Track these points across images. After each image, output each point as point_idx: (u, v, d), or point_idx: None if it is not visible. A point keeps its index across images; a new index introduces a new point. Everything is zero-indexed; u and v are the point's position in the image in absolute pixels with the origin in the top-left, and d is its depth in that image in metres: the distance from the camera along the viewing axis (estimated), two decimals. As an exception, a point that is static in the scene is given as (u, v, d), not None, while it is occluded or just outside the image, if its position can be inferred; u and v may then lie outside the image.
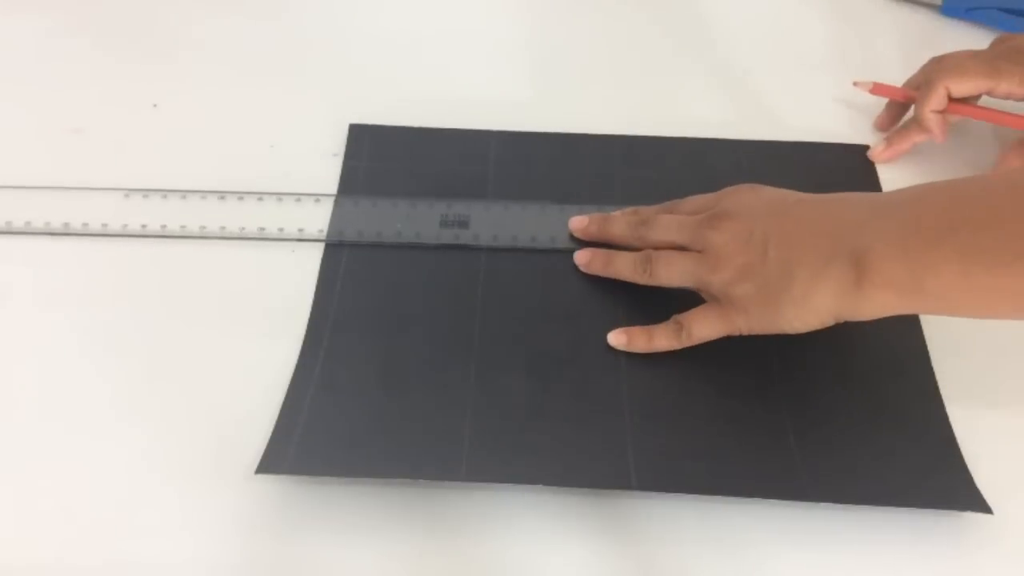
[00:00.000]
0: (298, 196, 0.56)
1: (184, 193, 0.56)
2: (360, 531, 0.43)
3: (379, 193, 0.56)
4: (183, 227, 0.55)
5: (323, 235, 0.54)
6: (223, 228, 0.55)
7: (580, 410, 0.47)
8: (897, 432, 0.46)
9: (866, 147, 0.60)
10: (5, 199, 0.56)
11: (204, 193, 0.56)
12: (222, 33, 0.68)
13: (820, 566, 0.43)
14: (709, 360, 0.48)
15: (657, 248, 0.50)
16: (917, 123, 0.59)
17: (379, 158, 0.59)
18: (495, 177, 0.58)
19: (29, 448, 0.46)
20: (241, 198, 0.56)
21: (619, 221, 0.53)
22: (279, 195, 0.56)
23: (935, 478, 0.45)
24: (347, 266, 0.53)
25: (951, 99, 0.57)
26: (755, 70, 0.66)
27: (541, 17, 0.71)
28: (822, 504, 0.43)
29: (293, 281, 0.52)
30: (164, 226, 0.55)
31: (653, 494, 0.44)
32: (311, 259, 0.53)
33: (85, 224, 0.54)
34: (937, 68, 0.58)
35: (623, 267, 0.51)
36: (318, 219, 0.55)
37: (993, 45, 0.59)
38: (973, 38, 0.67)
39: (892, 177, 0.59)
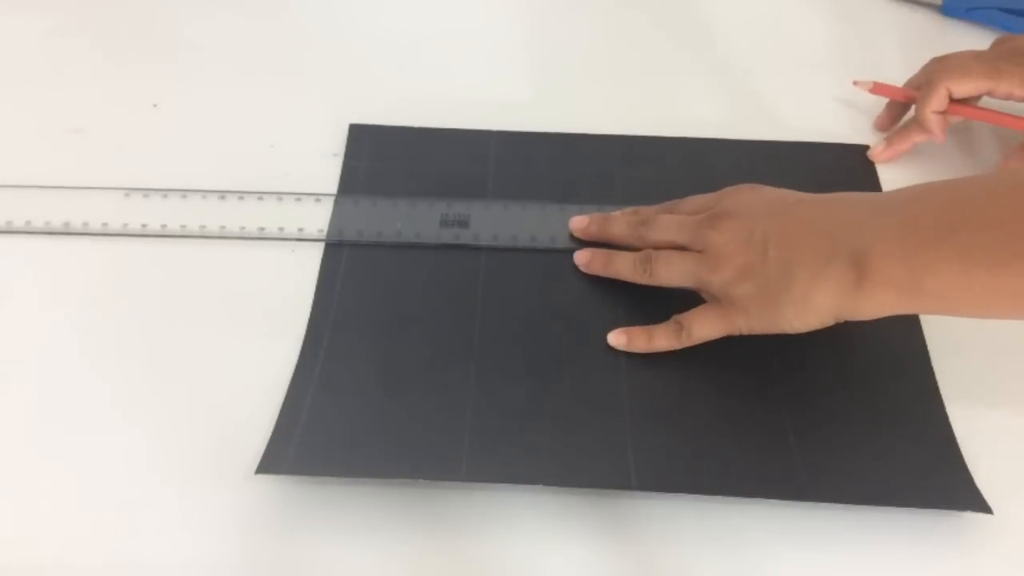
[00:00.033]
0: (298, 196, 0.56)
1: (184, 192, 0.56)
2: (360, 531, 0.43)
3: (379, 193, 0.56)
4: (183, 226, 0.55)
5: (323, 235, 0.54)
6: (223, 228, 0.55)
7: (580, 410, 0.47)
8: (897, 432, 0.46)
9: (866, 147, 0.60)
10: (5, 198, 0.56)
11: (204, 193, 0.56)
12: (222, 33, 0.68)
13: (820, 566, 0.43)
14: (709, 360, 0.48)
15: (657, 248, 0.50)
16: (917, 123, 0.59)
17: (379, 158, 0.59)
18: (495, 177, 0.58)
19: (29, 448, 0.46)
20: (241, 198, 0.56)
21: (619, 221, 0.53)
22: (279, 194, 0.56)
23: (935, 478, 0.45)
24: (347, 266, 0.53)
25: (952, 100, 0.57)
26: (755, 70, 0.66)
27: (541, 17, 0.71)
28: (822, 504, 0.44)
29: (293, 281, 0.52)
30: (164, 225, 0.55)
31: (653, 494, 0.44)
32: (311, 259, 0.53)
33: (85, 223, 0.54)
34: (938, 68, 0.58)
35: (623, 267, 0.51)
36: (318, 219, 0.55)
37: (994, 46, 0.59)
38: (973, 38, 0.67)
39: (892, 177, 0.59)
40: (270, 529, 0.43)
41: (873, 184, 0.58)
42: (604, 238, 0.53)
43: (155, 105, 0.62)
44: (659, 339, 0.48)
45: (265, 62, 0.66)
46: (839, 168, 0.59)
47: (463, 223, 0.55)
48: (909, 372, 0.49)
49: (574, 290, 0.52)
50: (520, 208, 0.56)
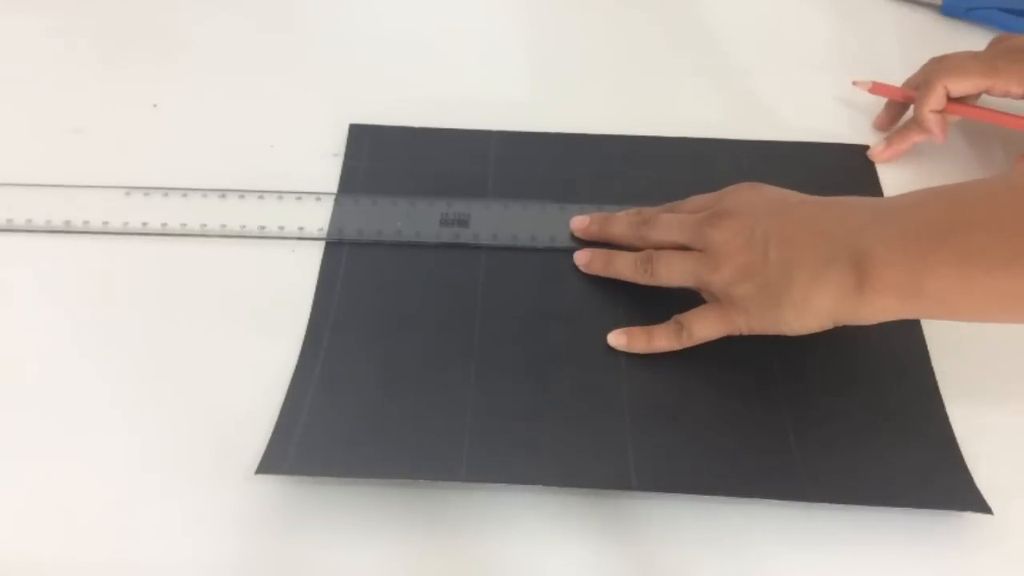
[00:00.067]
0: (299, 194, 0.56)
1: (185, 191, 0.56)
2: (360, 531, 0.43)
3: (379, 192, 0.56)
4: (184, 225, 0.55)
5: (323, 233, 0.54)
6: (224, 226, 0.55)
7: (580, 410, 0.47)
8: (897, 432, 0.46)
9: (866, 147, 0.60)
10: (6, 197, 0.55)
11: (205, 191, 0.56)
12: (222, 34, 0.68)
13: (820, 566, 0.43)
14: (709, 360, 0.48)
15: (658, 248, 0.50)
16: (917, 123, 0.59)
17: (379, 158, 0.59)
18: (495, 177, 0.58)
19: (29, 447, 0.46)
20: (242, 196, 0.56)
21: (620, 221, 0.53)
22: (279, 193, 0.56)
23: (935, 478, 0.45)
24: (347, 265, 0.53)
25: (950, 99, 0.57)
26: (755, 70, 0.66)
27: (541, 17, 0.71)
28: (822, 504, 0.43)
29: (293, 280, 0.52)
30: (165, 224, 0.55)
31: (653, 494, 0.44)
32: (311, 258, 0.53)
33: (86, 222, 0.54)
34: (936, 68, 0.58)
35: (623, 267, 0.51)
36: (318, 218, 0.55)
37: (991, 45, 0.59)
38: (973, 38, 0.67)
39: (892, 177, 0.59)
40: (270, 529, 0.43)
41: (873, 184, 0.58)
42: (604, 238, 0.53)
43: (155, 105, 0.62)
44: (659, 339, 0.48)
45: (265, 62, 0.66)
46: (839, 168, 0.59)
47: (463, 222, 0.55)
48: (909, 372, 0.49)
49: (574, 290, 0.52)
50: (520, 208, 0.56)
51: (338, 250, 0.54)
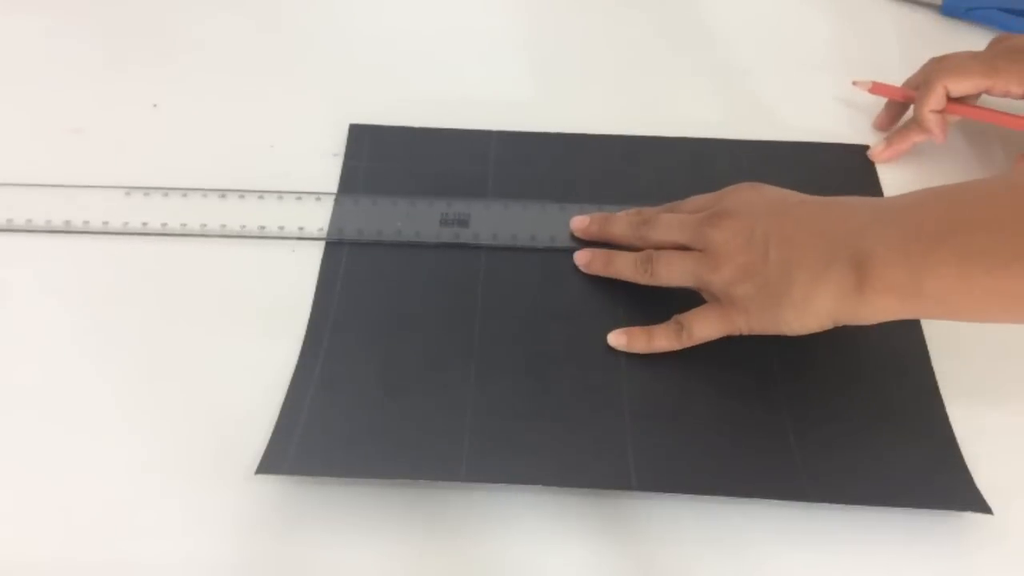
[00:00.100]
0: (299, 194, 0.56)
1: (185, 191, 0.56)
2: (360, 531, 0.43)
3: (379, 192, 0.56)
4: (184, 225, 0.55)
5: (323, 233, 0.54)
6: (224, 226, 0.55)
7: (580, 410, 0.47)
8: (897, 432, 0.46)
9: (866, 147, 0.60)
10: (6, 197, 0.55)
11: (205, 191, 0.56)
12: (222, 33, 0.68)
13: (820, 566, 0.43)
14: (709, 360, 0.48)
15: (658, 248, 0.50)
16: (917, 123, 0.59)
17: (379, 158, 0.59)
18: (495, 177, 0.58)
19: (29, 447, 0.46)
20: (242, 196, 0.56)
21: (620, 221, 0.53)
22: (280, 193, 0.56)
23: (935, 478, 0.45)
24: (347, 265, 0.53)
25: (950, 99, 0.57)
26: (755, 70, 0.66)
27: (541, 17, 0.71)
28: (822, 504, 0.43)
29: (293, 280, 0.52)
30: (165, 224, 0.55)
31: (653, 494, 0.44)
32: (311, 258, 0.53)
33: (86, 222, 0.54)
34: (936, 68, 0.58)
35: (623, 267, 0.51)
36: (318, 218, 0.55)
37: (991, 45, 0.59)
38: (973, 38, 0.67)
39: (892, 177, 0.59)
40: (270, 529, 0.43)
41: (873, 184, 0.58)
42: (605, 238, 0.53)
43: (155, 105, 0.62)
44: (659, 339, 0.48)
45: (265, 62, 0.66)
46: (839, 168, 0.59)
47: (463, 222, 0.55)
48: (909, 372, 0.49)
49: (574, 290, 0.52)
50: (520, 208, 0.56)
51: (338, 250, 0.54)
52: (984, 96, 0.58)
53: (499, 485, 0.45)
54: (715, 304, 0.48)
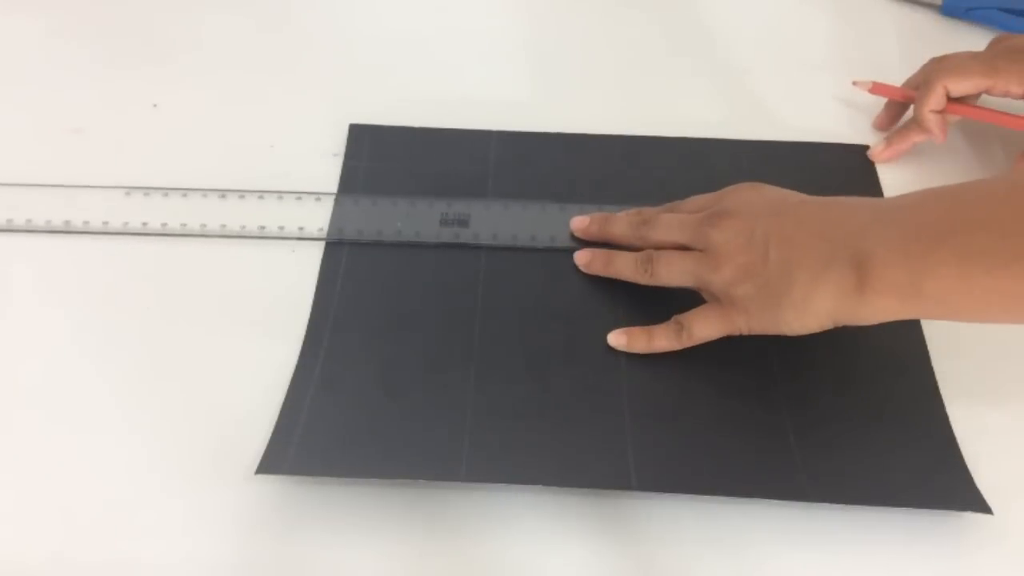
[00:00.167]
0: (299, 195, 0.56)
1: (185, 191, 0.56)
2: (360, 531, 0.43)
3: (379, 192, 0.56)
4: (184, 225, 0.55)
5: (323, 234, 0.54)
6: (224, 226, 0.55)
7: (580, 410, 0.47)
8: (897, 432, 0.46)
9: (866, 147, 0.60)
10: (6, 197, 0.55)
11: (205, 191, 0.56)
12: (222, 33, 0.68)
13: (820, 566, 0.43)
14: (709, 360, 0.48)
15: (658, 248, 0.50)
16: (917, 123, 0.59)
17: (379, 158, 0.59)
18: (495, 177, 0.58)
19: (29, 447, 0.46)
20: (242, 196, 0.56)
21: (620, 221, 0.53)
22: (279, 193, 0.56)
23: (935, 478, 0.45)
24: (347, 265, 0.53)
25: (950, 99, 0.57)
26: (755, 70, 0.66)
27: (541, 17, 0.71)
28: (822, 504, 0.43)
29: (293, 280, 0.52)
30: (165, 224, 0.55)
31: (653, 494, 0.44)
32: (311, 258, 0.53)
33: (86, 222, 0.54)
34: (936, 68, 0.58)
35: (624, 267, 0.51)
36: (318, 218, 0.55)
37: (991, 45, 0.59)
38: (973, 38, 0.67)
39: (892, 177, 0.59)
40: (270, 529, 0.43)
41: (873, 184, 0.58)
42: (605, 238, 0.53)
43: (155, 105, 0.62)
44: (659, 339, 0.48)
45: (265, 62, 0.66)
46: (839, 168, 0.59)
47: (463, 222, 0.55)
48: (909, 372, 0.49)
49: (574, 290, 0.52)
50: (520, 208, 0.56)
51: (338, 250, 0.54)
52: (984, 96, 0.58)
53: (499, 485, 0.45)
54: (715, 304, 0.48)
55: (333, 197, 0.56)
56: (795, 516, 0.44)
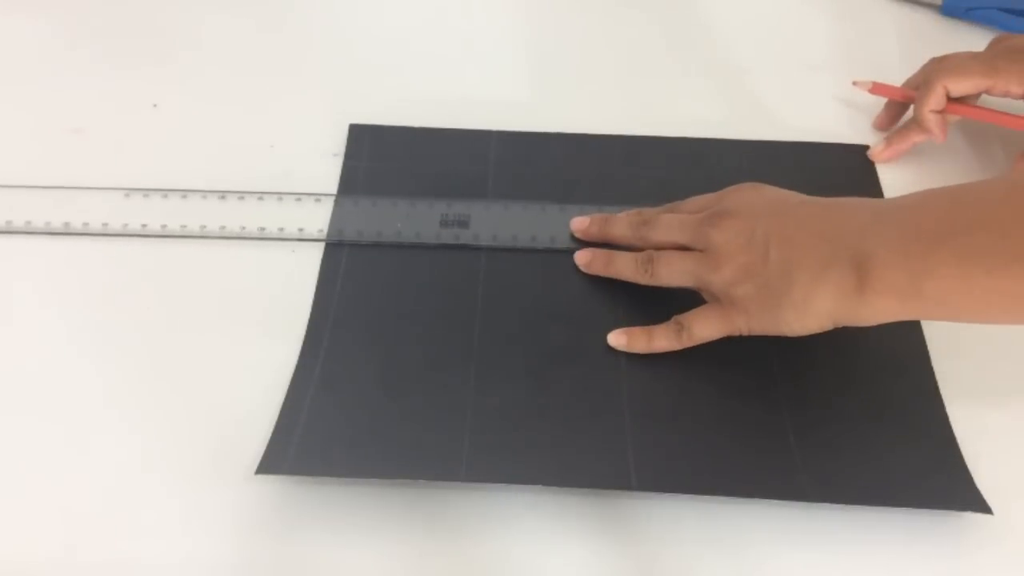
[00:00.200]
0: (298, 196, 0.56)
1: (184, 193, 0.56)
2: (360, 531, 0.43)
3: (379, 193, 0.56)
4: (183, 226, 0.55)
5: (323, 235, 0.54)
6: (223, 228, 0.55)
7: (580, 410, 0.47)
8: (897, 432, 0.46)
9: (866, 147, 0.60)
10: (5, 198, 0.55)
11: (204, 193, 0.56)
12: (222, 33, 0.68)
13: (820, 566, 0.43)
14: (709, 360, 0.48)
15: (658, 248, 0.50)
16: (917, 123, 0.59)
17: (379, 158, 0.59)
18: (495, 177, 0.58)
19: (29, 447, 0.46)
20: (241, 198, 0.56)
21: (620, 221, 0.53)
22: (279, 194, 0.56)
23: (935, 478, 0.45)
24: (347, 266, 0.53)
25: (950, 99, 0.57)
26: (755, 70, 0.66)
27: (541, 17, 0.71)
28: (822, 504, 0.44)
29: (293, 281, 0.52)
30: (164, 226, 0.55)
31: (653, 494, 0.44)
32: (311, 259, 0.53)
33: (85, 224, 0.54)
34: (936, 68, 0.58)
35: (624, 267, 0.51)
36: (318, 219, 0.55)
37: (991, 45, 0.59)
38: (973, 38, 0.67)
39: (892, 177, 0.59)
40: (270, 529, 0.43)
41: (873, 184, 0.58)
42: (605, 239, 0.53)
43: (155, 105, 0.62)
44: (659, 339, 0.48)
45: (265, 62, 0.66)
46: (839, 168, 0.59)
47: (463, 223, 0.55)
48: (909, 372, 0.49)
49: (574, 290, 0.52)
50: (520, 208, 0.56)
51: (338, 251, 0.54)
52: (984, 96, 0.58)
53: (499, 485, 0.45)
54: (715, 304, 0.48)
55: (333, 198, 0.56)
56: (795, 516, 0.44)
